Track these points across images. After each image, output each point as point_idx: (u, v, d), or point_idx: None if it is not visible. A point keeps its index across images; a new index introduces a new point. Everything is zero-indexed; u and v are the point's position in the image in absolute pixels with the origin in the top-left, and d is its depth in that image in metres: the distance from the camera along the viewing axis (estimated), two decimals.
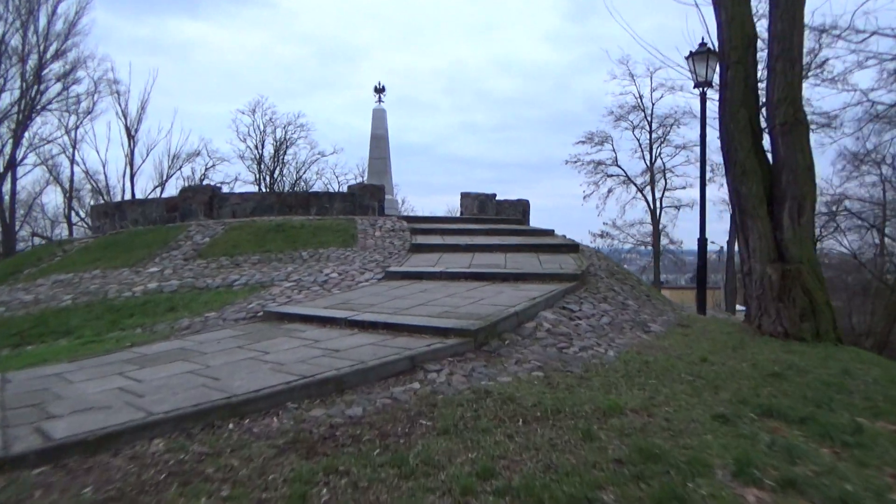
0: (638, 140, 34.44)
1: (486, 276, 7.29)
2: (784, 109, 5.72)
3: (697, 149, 33.51)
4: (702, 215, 8.97)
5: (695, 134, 34.17)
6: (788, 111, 5.71)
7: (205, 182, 30.24)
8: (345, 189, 15.16)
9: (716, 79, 8.82)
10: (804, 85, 6.02)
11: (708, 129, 9.18)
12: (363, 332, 4.99)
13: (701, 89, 8.69)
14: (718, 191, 38.04)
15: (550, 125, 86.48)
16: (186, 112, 66.82)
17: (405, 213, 23.41)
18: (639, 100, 34.05)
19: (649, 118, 34.16)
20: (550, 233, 12.41)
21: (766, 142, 6.09)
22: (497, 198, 18.54)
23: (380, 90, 18.27)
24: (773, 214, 5.86)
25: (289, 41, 72.87)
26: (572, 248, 9.76)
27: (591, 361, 4.29)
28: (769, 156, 6.10)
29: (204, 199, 13.52)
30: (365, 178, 19.31)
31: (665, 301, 8.95)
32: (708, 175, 37.48)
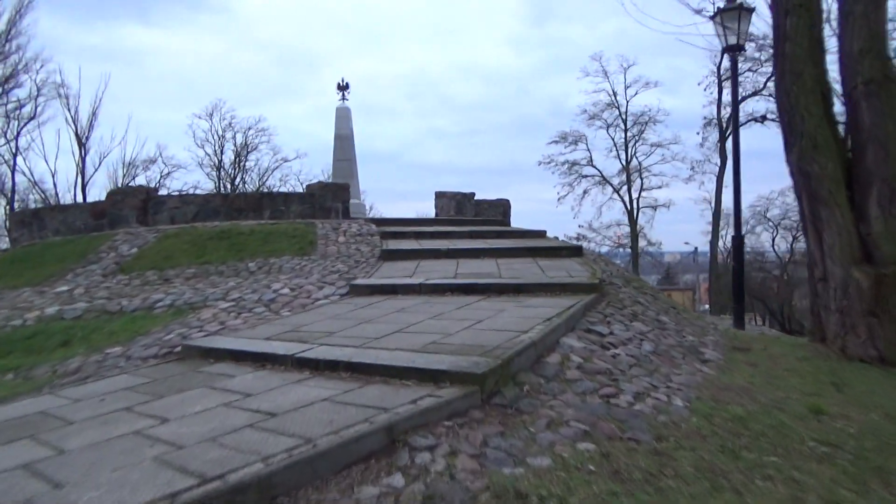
0: (612, 139, 34.24)
1: (479, 288, 5.96)
2: (868, 64, 4.55)
3: (674, 147, 32.95)
4: (737, 212, 7.78)
5: (670, 132, 34.00)
6: (874, 66, 4.54)
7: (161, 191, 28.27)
8: (304, 189, 13.68)
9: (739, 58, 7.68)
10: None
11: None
12: (317, 375, 3.60)
13: (732, 54, 7.52)
14: (699, 189, 37.72)
15: (515, 130, 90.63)
16: (142, 120, 66.53)
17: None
18: (612, 97, 33.69)
19: (624, 116, 33.83)
20: (542, 234, 11.16)
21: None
22: (475, 197, 17.30)
23: (343, 87, 17.20)
24: (853, 202, 4.66)
25: (247, 48, 73.65)
26: (574, 251, 8.49)
27: (658, 419, 2.98)
28: (841, 128, 4.90)
29: (136, 203, 11.92)
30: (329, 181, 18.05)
31: (688, 311, 7.74)
32: (686, 172, 37.77)
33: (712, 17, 7.50)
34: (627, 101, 33.61)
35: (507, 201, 19.27)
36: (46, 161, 31.82)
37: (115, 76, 55.88)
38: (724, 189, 30.68)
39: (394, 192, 75.68)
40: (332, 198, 12.68)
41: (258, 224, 10.96)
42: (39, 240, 12.52)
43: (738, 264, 8.18)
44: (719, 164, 30.78)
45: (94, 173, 28.77)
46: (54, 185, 28.92)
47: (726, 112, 30.63)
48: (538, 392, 3.25)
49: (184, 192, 13.95)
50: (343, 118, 17.08)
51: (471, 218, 14.59)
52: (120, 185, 28.68)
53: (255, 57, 74.44)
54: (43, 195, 28.78)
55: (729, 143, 30.88)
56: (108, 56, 52.02)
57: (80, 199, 27.64)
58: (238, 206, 12.19)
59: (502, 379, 3.26)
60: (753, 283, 37.93)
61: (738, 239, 8.16)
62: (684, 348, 4.60)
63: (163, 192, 26.75)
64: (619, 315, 5.08)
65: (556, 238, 11.35)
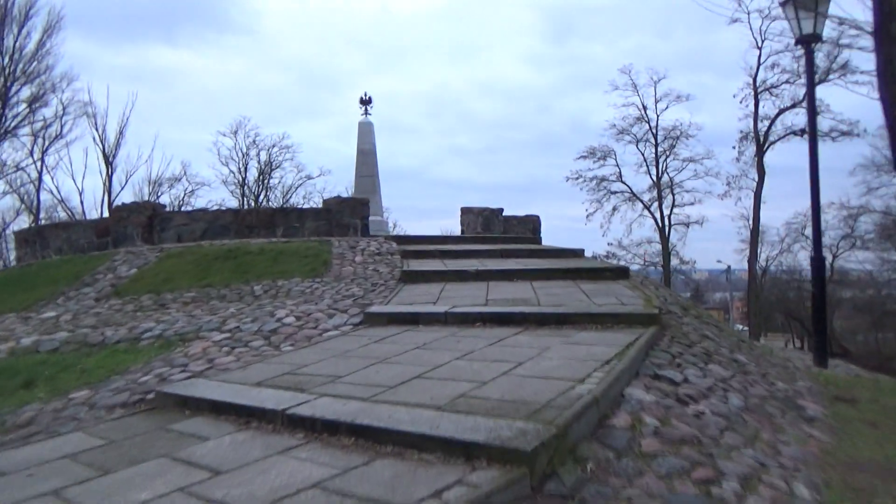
0: (642, 154, 33.49)
1: (516, 318, 5.15)
2: None
3: (707, 162, 32.02)
4: (815, 228, 6.82)
5: (702, 147, 33.11)
6: None
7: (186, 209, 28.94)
8: (319, 204, 13.06)
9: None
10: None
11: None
12: (312, 440, 2.83)
13: (807, 45, 6.65)
14: (735, 205, 36.53)
15: (536, 147, 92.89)
16: (168, 139, 68.77)
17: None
18: (642, 111, 32.90)
19: (654, 130, 32.99)
20: (580, 253, 10.31)
21: None
22: (504, 213, 16.54)
23: (366, 102, 16.95)
24: None
25: (270, 68, 75.88)
26: (620, 272, 7.63)
27: None
28: None
29: (141, 221, 11.40)
30: None
31: (756, 345, 6.81)
32: (720, 188, 36.67)
33: (783, 3, 6.65)
34: (658, 116, 32.92)
35: (538, 217, 18.48)
36: (74, 179, 33.35)
37: (144, 97, 58.69)
38: (762, 205, 29.64)
39: (417, 209, 77.18)
40: (350, 214, 12.01)
41: (269, 242, 10.31)
42: (44, 258, 12.07)
43: (819, 290, 7.15)
44: (757, 179, 29.73)
45: (120, 191, 29.49)
46: (81, 202, 29.60)
47: (763, 125, 29.67)
48: (607, 474, 2.42)
49: (193, 209, 13.46)
50: (365, 133, 16.77)
51: (499, 235, 13.80)
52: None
53: (279, 77, 77.35)
54: (70, 213, 29.36)
55: (767, 157, 29.89)
56: (137, 77, 53.38)
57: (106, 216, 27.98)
58: (249, 223, 11.58)
59: (558, 455, 2.45)
60: (790, 303, 36.45)
61: (819, 260, 7.14)
62: (779, 401, 3.72)
63: (187, 209, 27.21)
64: (688, 354, 4.22)
65: (595, 257, 10.50)
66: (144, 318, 6.49)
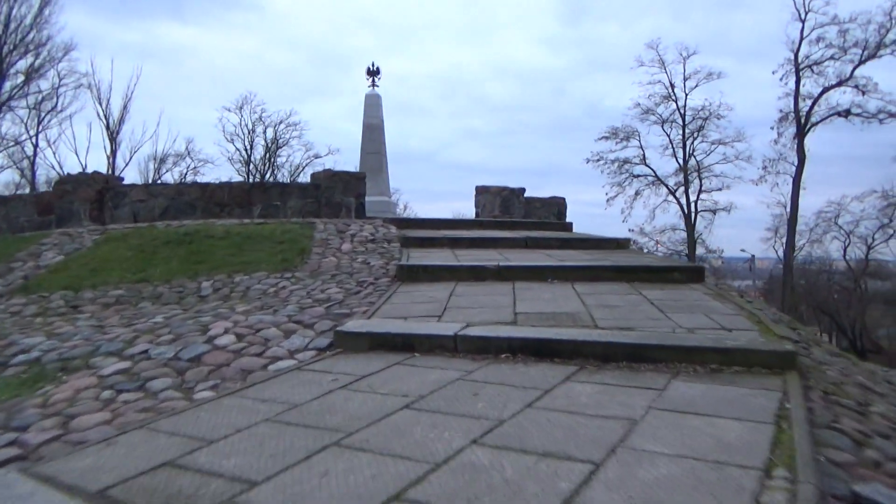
0: (668, 135, 31.86)
1: (563, 348, 3.48)
2: None
3: (738, 145, 30.45)
4: None
5: (732, 129, 31.24)
6: None
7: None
8: (308, 179, 11.46)
9: None
10: None
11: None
12: None
13: None
14: (771, 191, 34.80)
15: (551, 130, 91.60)
16: (176, 117, 69.63)
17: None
18: (670, 89, 31.12)
19: (682, 110, 31.28)
20: (625, 244, 8.61)
21: None
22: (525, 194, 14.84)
23: (373, 73, 15.69)
24: None
25: (280, 46, 76.45)
26: (692, 274, 5.91)
27: None
28: None
29: (89, 195, 9.82)
30: None
31: None
32: (752, 173, 34.74)
33: None
34: (686, 94, 31.27)
35: (563, 200, 16.78)
36: (77, 154, 32.42)
37: (152, 73, 59.88)
38: (801, 192, 27.82)
39: (430, 191, 76.93)
40: (343, 191, 10.34)
41: (240, 224, 8.70)
42: None
43: None
44: (796, 163, 27.85)
45: (124, 167, 29.11)
46: None
47: (805, 104, 27.74)
48: None
49: (152, 183, 11.96)
50: (373, 105, 15.51)
51: (521, 220, 12.09)
52: (150, 181, 28.82)
53: (288, 55, 77.88)
54: None
55: (808, 140, 27.99)
56: (145, 53, 53.58)
57: None
58: (220, 200, 9.96)
59: None
60: (819, 296, 34.87)
61: None
62: None
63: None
64: (876, 436, 2.53)
65: (643, 250, 8.80)
66: (37, 328, 4.88)
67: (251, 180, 32.50)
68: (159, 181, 29.77)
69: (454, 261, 6.62)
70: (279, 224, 8.70)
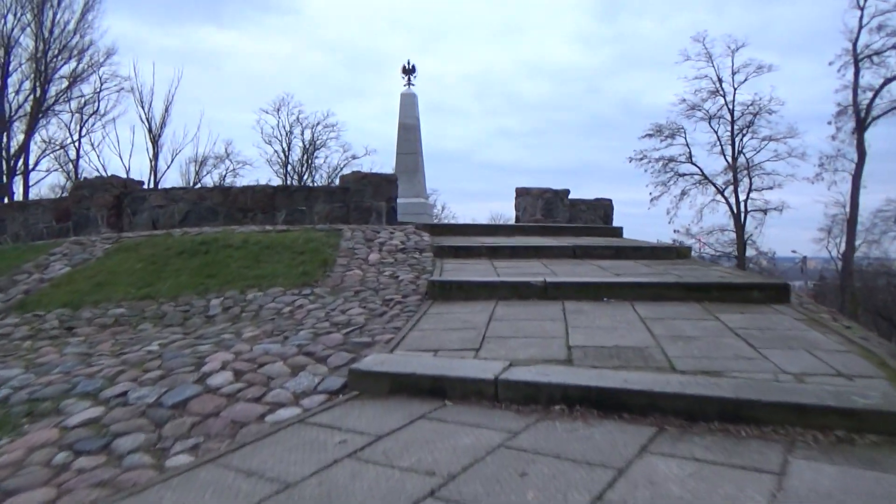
0: (716, 132, 30.73)
1: (634, 401, 2.76)
2: None
3: (791, 141, 28.90)
4: None
5: (784, 125, 29.80)
6: None
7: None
8: (336, 182, 10.88)
9: None
10: None
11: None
12: None
13: None
14: (829, 190, 33.36)
15: (586, 129, 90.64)
16: (214, 120, 71.04)
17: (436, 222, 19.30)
18: (717, 84, 29.92)
19: (730, 106, 30.05)
20: (684, 252, 7.82)
21: None
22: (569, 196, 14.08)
23: (409, 71, 15.40)
24: None
25: (315, 49, 76.97)
26: (774, 292, 5.08)
27: None
28: None
29: (107, 201, 9.44)
30: None
31: None
32: (806, 170, 33.21)
33: None
34: (735, 89, 30.09)
35: (610, 201, 15.96)
36: (121, 157, 33.05)
37: (191, 77, 61.74)
38: (861, 190, 26.35)
39: (465, 191, 76.63)
40: (373, 195, 9.75)
41: (260, 231, 8.16)
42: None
43: None
44: (856, 160, 26.33)
45: (166, 170, 30.04)
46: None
47: (865, 97, 26.20)
48: None
49: (172, 187, 11.68)
50: (408, 105, 15.17)
51: (566, 224, 11.32)
52: (192, 183, 29.75)
53: (323, 57, 78.11)
54: None
55: (868, 135, 26.46)
56: (185, 57, 54.44)
57: None
58: (243, 206, 9.47)
59: None
60: (878, 299, 33.13)
61: None
62: None
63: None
64: None
65: (705, 259, 7.97)
66: (20, 355, 4.36)
67: (286, 182, 32.72)
68: (198, 184, 30.23)
69: (493, 275, 5.93)
70: (303, 231, 8.14)
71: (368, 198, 9.75)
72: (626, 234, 10.86)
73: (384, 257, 6.98)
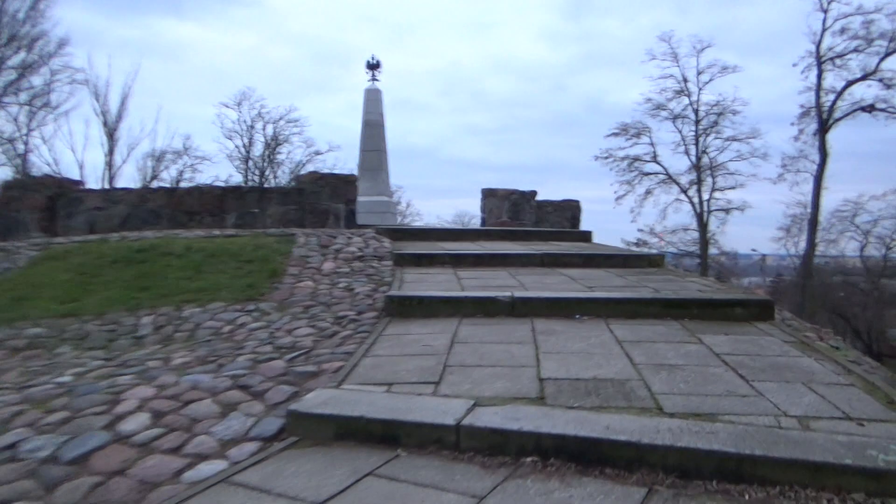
0: (680, 132, 31.13)
1: (620, 452, 2.39)
2: None
3: (753, 141, 29.40)
4: None
5: (747, 126, 30.34)
6: None
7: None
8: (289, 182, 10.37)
9: None
10: None
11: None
12: None
13: None
14: (791, 190, 33.99)
15: (551, 126, 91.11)
16: (175, 114, 67.86)
17: (406, 222, 19.04)
18: (683, 84, 30.21)
19: (695, 106, 30.42)
20: (657, 261, 7.53)
21: None
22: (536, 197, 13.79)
23: (373, 66, 15.05)
24: None
25: (280, 42, 75.46)
26: (758, 310, 4.78)
27: None
28: None
29: (38, 203, 8.78)
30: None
31: None
32: (768, 171, 33.83)
33: None
34: (700, 89, 30.51)
35: (577, 203, 15.72)
36: (74, 151, 31.45)
37: (153, 70, 58.79)
38: (823, 191, 26.91)
39: (432, 188, 76.71)
40: (331, 196, 9.27)
41: (205, 237, 7.62)
42: None
43: None
44: (818, 161, 26.85)
45: (121, 165, 28.39)
46: (81, 177, 28.32)
47: (828, 99, 26.68)
48: None
49: (111, 188, 10.99)
50: (373, 101, 14.80)
51: (533, 229, 10.99)
52: (149, 178, 28.84)
53: (288, 51, 76.89)
54: None
55: (830, 136, 26.98)
56: (145, 50, 52.61)
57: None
58: (189, 208, 8.89)
59: None
60: (834, 299, 34.02)
61: None
62: None
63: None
64: None
65: (678, 269, 7.69)
66: None
67: (246, 178, 32.05)
68: (155, 181, 29.42)
69: (457, 288, 5.53)
70: (253, 237, 7.62)
71: (326, 199, 9.26)
72: (591, 231, 10.57)
73: (339, 266, 6.52)
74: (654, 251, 6.97)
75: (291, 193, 9.30)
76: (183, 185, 31.81)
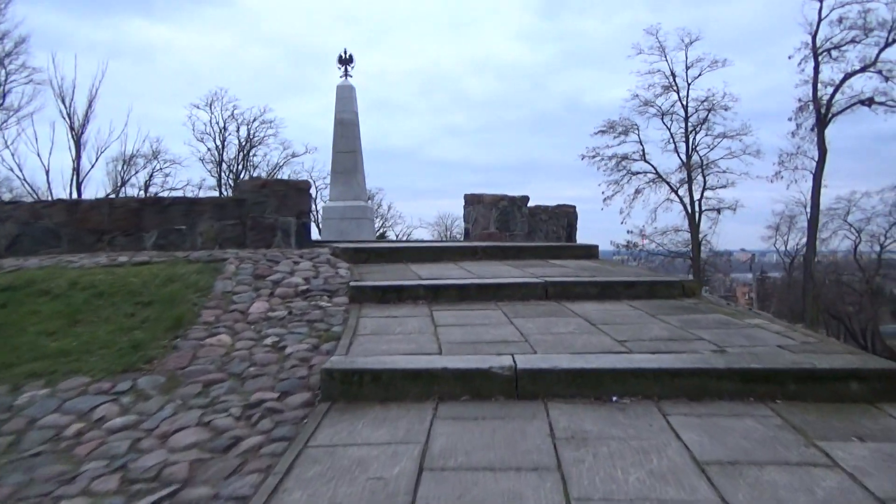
0: (669, 129, 30.88)
1: None
2: None
3: (745, 138, 28.84)
4: None
5: (738, 122, 29.40)
6: None
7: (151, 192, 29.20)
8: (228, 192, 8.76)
9: None
10: None
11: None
12: None
13: None
14: (787, 189, 33.37)
15: (531, 126, 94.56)
16: (146, 116, 68.87)
17: (387, 226, 17.49)
18: (671, 79, 29.73)
19: (684, 101, 30.19)
20: (694, 288, 6.05)
21: None
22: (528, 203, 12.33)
23: (346, 61, 14.20)
24: None
25: (255, 43, 76.75)
26: (880, 380, 3.30)
27: None
28: None
29: None
30: (328, 178, 15.22)
31: None
32: (762, 168, 33.51)
33: None
34: (689, 84, 30.08)
35: (573, 208, 14.33)
36: (39, 156, 30.50)
37: (124, 72, 58.38)
38: (822, 188, 26.50)
39: (413, 189, 77.18)
40: (277, 208, 7.67)
41: (108, 265, 6.04)
42: None
43: None
44: (817, 157, 25.93)
45: (90, 169, 28.20)
46: (48, 182, 27.96)
47: (826, 93, 25.74)
48: None
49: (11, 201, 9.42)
50: (345, 98, 13.85)
51: (527, 245, 9.46)
52: (120, 183, 28.59)
53: (263, 52, 77.67)
54: (34, 194, 27.99)
55: (828, 132, 26.08)
56: (116, 51, 53.12)
57: (75, 197, 27.01)
58: (96, 226, 7.25)
59: None
60: (828, 298, 33.41)
61: None
62: None
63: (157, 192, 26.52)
64: None
65: (715, 297, 6.28)
66: None
67: (219, 181, 30.54)
68: (124, 186, 28.74)
69: (432, 346, 3.98)
70: (169, 264, 6.03)
71: (271, 212, 7.68)
72: (596, 245, 9.08)
73: (274, 307, 4.95)
74: (687, 277, 5.74)
75: (229, 205, 7.69)
76: (153, 190, 30.54)
